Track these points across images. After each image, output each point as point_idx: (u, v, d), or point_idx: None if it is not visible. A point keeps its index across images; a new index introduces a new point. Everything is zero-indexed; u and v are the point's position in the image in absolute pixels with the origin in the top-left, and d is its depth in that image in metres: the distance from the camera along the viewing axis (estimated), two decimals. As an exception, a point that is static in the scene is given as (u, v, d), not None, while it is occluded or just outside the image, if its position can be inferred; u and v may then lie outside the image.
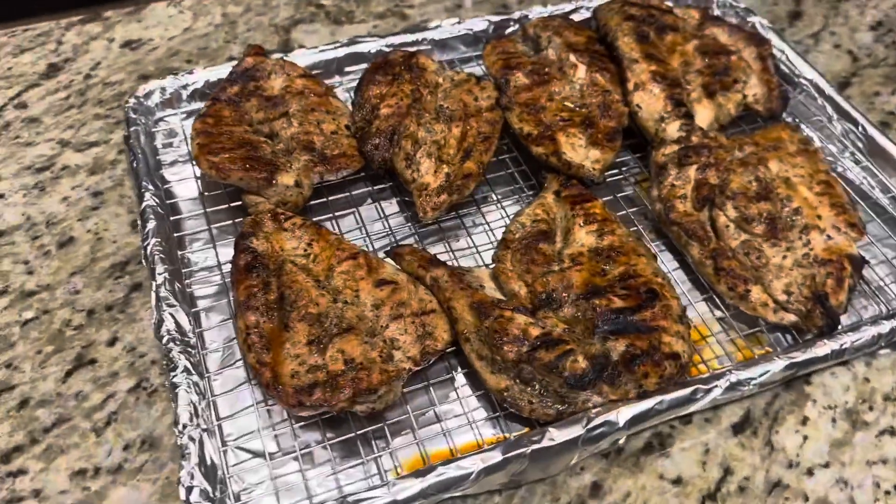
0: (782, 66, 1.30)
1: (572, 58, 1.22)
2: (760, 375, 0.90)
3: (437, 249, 1.06)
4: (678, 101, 1.15)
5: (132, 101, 1.18)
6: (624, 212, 1.12)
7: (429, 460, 0.86)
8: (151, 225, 1.01)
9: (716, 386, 0.88)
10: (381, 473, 0.85)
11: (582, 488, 0.86)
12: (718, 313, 1.01)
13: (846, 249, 1.00)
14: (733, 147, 1.12)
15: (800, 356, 0.91)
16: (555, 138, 1.11)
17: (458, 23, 1.34)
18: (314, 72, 1.27)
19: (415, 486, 0.79)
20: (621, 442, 0.88)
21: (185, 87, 1.22)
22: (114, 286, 1.03)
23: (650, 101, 1.16)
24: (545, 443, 0.83)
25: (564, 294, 0.94)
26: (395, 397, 0.88)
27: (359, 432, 0.87)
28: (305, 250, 0.99)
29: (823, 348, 0.93)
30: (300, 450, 0.87)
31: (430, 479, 0.80)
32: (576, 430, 0.84)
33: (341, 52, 1.29)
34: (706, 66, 1.22)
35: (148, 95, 1.20)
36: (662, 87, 1.16)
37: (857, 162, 1.19)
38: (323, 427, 0.88)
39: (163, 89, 1.21)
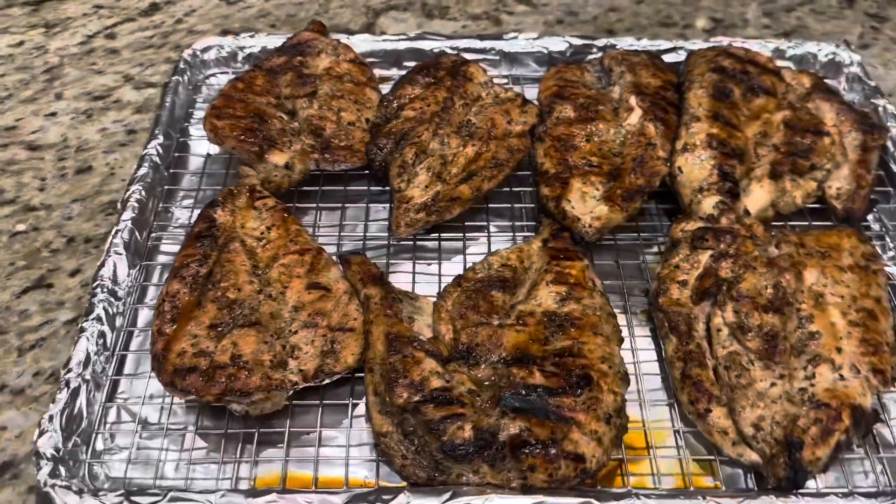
0: (894, 166, 1.09)
1: (632, 100, 1.09)
2: (676, 512, 0.75)
3: (403, 268, 1.00)
4: (726, 175, 0.99)
5: (187, 52, 1.21)
6: (619, 282, 0.98)
7: (285, 482, 0.81)
8: (141, 172, 1.03)
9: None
10: (233, 479, 0.81)
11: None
12: (679, 425, 0.86)
13: (854, 398, 0.81)
14: (768, 242, 0.94)
15: (740, 506, 0.76)
16: (568, 182, 1.00)
17: (536, 38, 1.24)
18: (372, 60, 1.24)
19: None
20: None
21: (242, 48, 1.24)
22: (101, 221, 1.07)
23: (695, 167, 1.01)
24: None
25: (488, 352, 0.84)
26: (274, 406, 0.84)
27: (230, 431, 0.84)
28: (262, 233, 0.96)
29: (777, 508, 0.76)
30: (174, 430, 0.85)
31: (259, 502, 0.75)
32: (433, 501, 0.75)
33: (403, 45, 1.24)
34: (786, 142, 1.04)
35: (206, 50, 1.23)
36: (714, 155, 1.01)
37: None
38: (203, 414, 0.86)
39: (220, 47, 1.23)
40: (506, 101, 1.12)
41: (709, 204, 0.98)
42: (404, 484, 0.79)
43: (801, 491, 0.77)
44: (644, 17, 1.40)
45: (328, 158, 1.05)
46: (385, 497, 0.75)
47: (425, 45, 1.24)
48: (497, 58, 1.25)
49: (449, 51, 1.23)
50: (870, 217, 1.05)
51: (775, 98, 1.12)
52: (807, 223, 1.04)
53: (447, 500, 0.75)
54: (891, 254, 1.02)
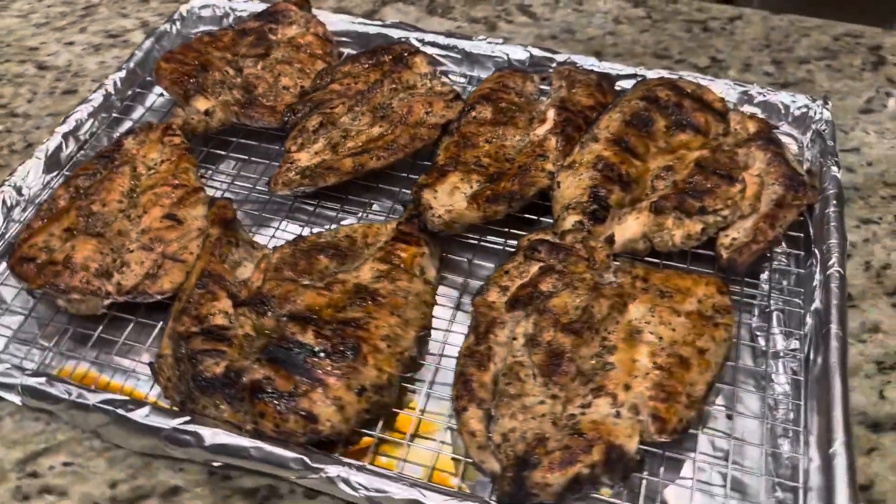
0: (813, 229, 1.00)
1: (550, 112, 1.08)
2: (377, 491, 0.75)
3: (274, 224, 1.05)
4: (598, 197, 0.96)
5: (185, 7, 1.33)
6: (461, 279, 0.98)
7: (82, 379, 0.89)
8: (93, 97, 1.16)
9: (323, 471, 0.76)
10: (39, 364, 0.90)
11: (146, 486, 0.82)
12: (454, 422, 0.85)
13: (616, 437, 0.76)
14: (606, 269, 0.91)
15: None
16: (446, 175, 1.01)
17: (501, 44, 1.25)
18: (344, 40, 1.30)
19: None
20: (216, 465, 0.81)
21: (234, 9, 1.34)
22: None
23: (572, 185, 0.98)
24: (134, 415, 0.80)
25: (280, 305, 0.87)
26: (89, 310, 0.91)
27: (54, 322, 0.93)
28: (155, 164, 1.05)
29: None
30: (17, 311, 0.95)
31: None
32: (168, 421, 0.80)
33: (374, 29, 1.29)
34: (686, 180, 0.99)
35: (203, 7, 1.35)
36: (594, 176, 0.98)
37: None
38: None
39: (215, 6, 1.34)
40: (436, 94, 1.15)
41: (570, 221, 0.96)
42: (154, 400, 0.85)
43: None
44: (641, 46, 1.36)
45: (247, 113, 1.12)
46: (130, 406, 0.81)
47: (395, 32, 1.28)
48: (459, 57, 1.27)
49: (415, 42, 1.27)
50: (763, 276, 0.98)
51: (703, 137, 1.07)
52: (684, 266, 0.98)
53: (178, 426, 0.79)
54: (746, 317, 0.94)
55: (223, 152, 1.14)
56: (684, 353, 0.83)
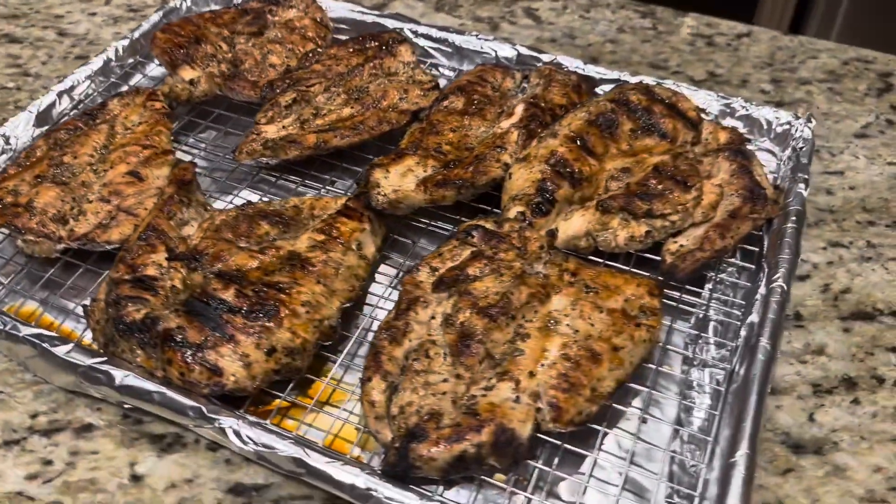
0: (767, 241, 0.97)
1: (519, 107, 1.08)
2: (264, 446, 0.76)
3: (235, 191, 1.08)
4: (544, 191, 0.96)
5: (200, -17, 1.39)
6: (402, 260, 0.99)
7: (30, 317, 0.94)
8: (93, 61, 1.22)
9: (217, 422, 0.78)
10: (-11, 298, 0.95)
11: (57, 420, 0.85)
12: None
13: (509, 420, 0.76)
14: (536, 259, 0.90)
15: (332, 471, 0.74)
16: (402, 157, 1.02)
17: (490, 40, 1.26)
18: (342, 27, 1.33)
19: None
20: (128, 407, 0.84)
21: (244, -9, 1.39)
22: (62, 95, 1.27)
23: (521, 177, 0.98)
24: (57, 350, 0.84)
25: (212, 263, 0.90)
26: (42, 252, 0.96)
27: (13, 261, 0.98)
28: (132, 125, 1.10)
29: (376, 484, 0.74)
30: (-18, 250, 1.01)
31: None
32: (86, 359, 0.83)
33: (371, 18, 1.32)
34: (640, 183, 0.98)
35: (218, -13, 1.40)
36: (545, 170, 0.97)
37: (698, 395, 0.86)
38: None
39: (228, -13, 1.40)
40: (415, 83, 1.16)
41: (513, 212, 0.96)
42: (83, 341, 0.88)
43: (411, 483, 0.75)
44: (639, 56, 1.35)
45: (229, 86, 1.16)
46: (56, 342, 0.84)
47: (391, 23, 1.31)
48: (450, 51, 1.28)
49: (408, 33, 1.29)
50: (709, 286, 0.95)
51: (669, 143, 1.05)
52: (626, 268, 0.96)
53: (97, 362, 0.82)
54: (682, 325, 0.92)
55: (203, 121, 1.18)
56: (597, 348, 0.82)
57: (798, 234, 0.96)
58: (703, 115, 1.10)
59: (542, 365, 0.80)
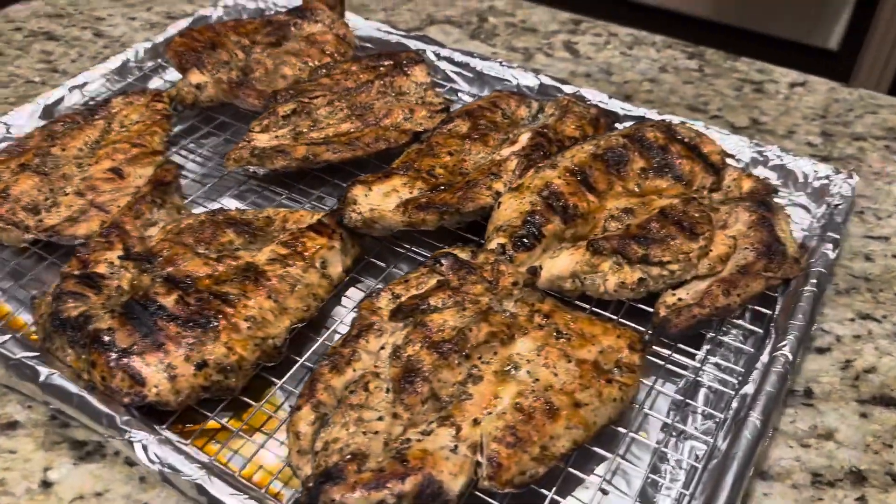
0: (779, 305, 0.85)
1: (524, 135, 1.01)
2: (169, 467, 0.69)
3: (218, 196, 1.04)
4: (531, 224, 0.87)
5: (231, -3, 1.39)
6: (374, 284, 0.92)
7: None
8: (111, 60, 1.22)
9: (129, 434, 0.72)
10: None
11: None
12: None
13: (439, 470, 0.67)
14: (507, 296, 0.81)
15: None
16: (389, 176, 0.96)
17: (514, 67, 1.19)
18: (367, 45, 1.29)
19: None
20: (52, 407, 0.79)
21: (276, 4, 1.38)
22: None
23: (510, 207, 0.90)
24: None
25: (163, 266, 0.85)
26: (10, 241, 0.93)
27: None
28: (129, 123, 1.08)
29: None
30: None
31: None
32: (18, 352, 0.79)
33: (395, 38, 1.28)
34: (642, 226, 0.88)
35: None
36: (536, 202, 0.89)
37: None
38: None
39: (259, 0, 1.39)
40: (424, 104, 1.11)
41: (494, 243, 0.87)
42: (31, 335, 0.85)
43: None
44: (678, 97, 1.25)
45: (235, 93, 1.13)
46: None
47: (415, 44, 1.26)
48: (471, 76, 1.22)
49: (431, 55, 1.24)
50: (707, 347, 0.84)
51: (683, 186, 0.95)
52: (613, 316, 0.86)
53: (27, 357, 0.78)
54: (669, 388, 0.80)
55: (206, 127, 1.15)
56: (555, 401, 0.72)
57: (816, 299, 0.84)
58: (728, 161, 0.99)
59: (490, 413, 0.71)
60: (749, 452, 0.70)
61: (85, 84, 1.18)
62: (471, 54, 1.23)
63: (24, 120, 1.11)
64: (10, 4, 1.51)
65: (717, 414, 0.77)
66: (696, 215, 0.90)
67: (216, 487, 0.68)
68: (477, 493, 0.70)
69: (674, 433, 0.77)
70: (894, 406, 0.82)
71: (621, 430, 0.76)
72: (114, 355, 0.75)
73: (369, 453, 0.70)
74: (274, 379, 0.82)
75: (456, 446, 0.69)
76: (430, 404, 0.73)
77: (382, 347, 0.79)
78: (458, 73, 1.23)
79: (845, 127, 1.19)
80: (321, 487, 0.67)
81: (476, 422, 0.71)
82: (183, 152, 1.11)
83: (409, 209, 0.91)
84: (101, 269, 0.85)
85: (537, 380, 0.74)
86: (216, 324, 0.78)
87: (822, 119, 1.20)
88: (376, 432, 0.72)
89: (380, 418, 0.73)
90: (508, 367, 0.75)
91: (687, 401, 0.80)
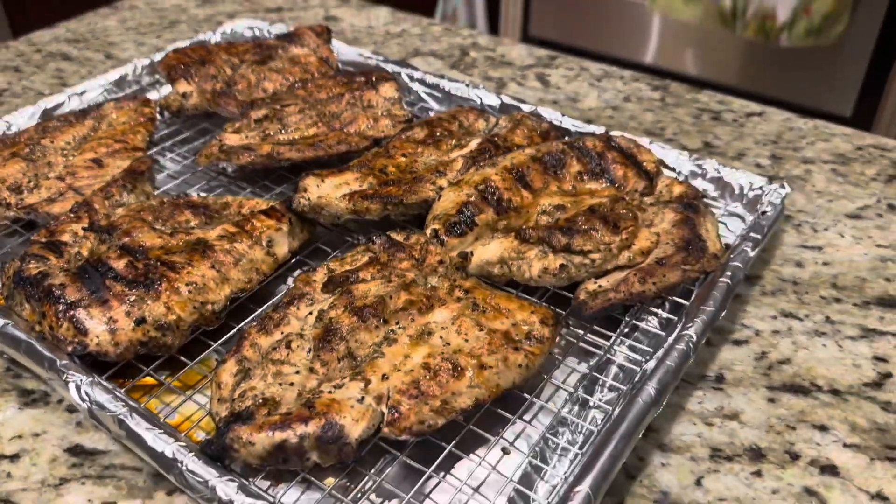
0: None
1: (474, 142, 1.08)
2: (97, 405, 0.75)
3: (189, 189, 1.12)
4: (465, 214, 0.93)
5: (228, 25, 1.50)
6: (313, 263, 0.98)
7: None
8: (110, 73, 1.33)
9: (67, 375, 0.78)
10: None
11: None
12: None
13: (341, 417, 0.71)
14: (432, 272, 0.87)
15: (148, 436, 0.72)
16: (343, 172, 1.03)
17: (478, 88, 1.27)
18: (347, 68, 1.39)
19: None
20: (4, 356, 0.86)
21: (271, 32, 1.49)
22: (85, 104, 1.38)
23: (448, 199, 0.96)
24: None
25: (120, 237, 0.92)
26: (-11, 218, 1.02)
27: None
28: (117, 124, 1.17)
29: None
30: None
31: None
32: None
33: (373, 61, 1.37)
34: (569, 219, 0.93)
35: (248, 29, 1.50)
36: (472, 195, 0.95)
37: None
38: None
39: (256, 29, 1.50)
40: (390, 116, 1.18)
41: (429, 229, 0.93)
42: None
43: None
44: (636, 122, 1.31)
45: (217, 101, 1.22)
46: (-39, 289, 0.88)
47: (392, 67, 1.35)
48: (441, 96, 1.30)
49: (405, 78, 1.33)
50: (625, 330, 0.88)
51: (616, 190, 1.01)
52: (536, 300, 0.90)
53: (-14, 311, 0.86)
54: (581, 365, 0.84)
55: (188, 132, 1.24)
56: (461, 363, 0.76)
57: (730, 290, 0.88)
58: (663, 170, 1.05)
59: (399, 370, 0.76)
60: (639, 416, 0.73)
61: (84, 92, 1.29)
62: (441, 76, 1.32)
63: (25, 120, 1.22)
64: (35, 31, 1.65)
65: (622, 387, 0.81)
66: (622, 212, 0.95)
67: (135, 422, 0.73)
68: (380, 442, 0.74)
69: (579, 403, 0.81)
70: (803, 394, 0.84)
71: (526, 395, 0.79)
72: (62, 307, 0.82)
73: (282, 401, 0.75)
74: (211, 342, 0.87)
75: (363, 398, 0.74)
76: (345, 362, 0.78)
77: (310, 314, 0.84)
78: (428, 94, 1.31)
79: (795, 151, 1.24)
80: (230, 426, 0.72)
81: (385, 377, 0.75)
82: (162, 152, 1.20)
83: (355, 198, 0.98)
84: (65, 237, 0.92)
85: (448, 344, 0.79)
86: (158, 286, 0.85)
87: (773, 144, 1.26)
88: (291, 384, 0.77)
89: (297, 372, 0.78)
90: (423, 333, 0.80)
91: (597, 376, 0.83)
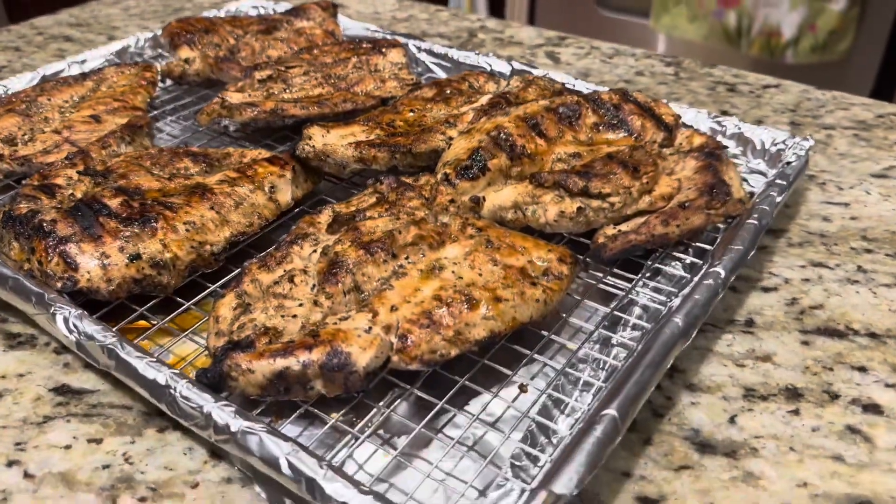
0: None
1: (485, 97, 1.04)
2: (86, 336, 0.70)
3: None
4: (477, 159, 0.89)
5: (233, 4, 1.47)
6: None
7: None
8: (112, 45, 1.30)
9: (54, 308, 0.73)
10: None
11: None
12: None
13: (348, 346, 0.66)
14: (442, 211, 0.83)
15: (139, 364, 0.67)
16: (349, 124, 0.99)
17: (487, 56, 1.24)
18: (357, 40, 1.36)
19: None
20: (-12, 299, 0.81)
21: (276, 10, 1.46)
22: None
23: (459, 146, 0.92)
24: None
25: (116, 180, 0.88)
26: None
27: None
28: (118, 85, 1.14)
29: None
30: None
31: None
32: None
33: (380, 35, 1.34)
34: (586, 165, 0.89)
35: (253, 8, 1.48)
36: (485, 141, 0.91)
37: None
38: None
39: (261, 7, 1.48)
40: (397, 79, 1.15)
41: (440, 174, 0.89)
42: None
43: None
44: (651, 94, 1.28)
45: (220, 66, 1.19)
46: None
47: (400, 39, 1.32)
48: (449, 66, 1.27)
49: (413, 49, 1.30)
50: (647, 274, 0.83)
51: (633, 139, 0.96)
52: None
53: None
54: (601, 306, 0.79)
55: (189, 98, 1.21)
56: (476, 295, 0.72)
57: (758, 232, 0.83)
58: (681, 123, 1.01)
59: (409, 302, 0.71)
60: (666, 346, 0.68)
61: (84, 61, 1.26)
62: (449, 47, 1.29)
63: (23, 85, 1.18)
64: (37, 16, 1.63)
65: (646, 324, 0.76)
66: (642, 157, 0.91)
67: (126, 352, 0.68)
68: (389, 377, 0.69)
69: (600, 341, 0.76)
70: (839, 337, 0.79)
71: (544, 333, 0.74)
72: (52, 242, 0.77)
73: (284, 332, 0.70)
74: (209, 284, 0.82)
75: (370, 328, 0.69)
76: (352, 296, 0.73)
77: (315, 251, 0.80)
78: (436, 64, 1.28)
79: (815, 119, 1.20)
80: (227, 353, 0.67)
81: (394, 308, 0.70)
82: (163, 115, 1.17)
83: (362, 146, 0.94)
84: (59, 181, 0.88)
85: (461, 278, 0.74)
86: (154, 223, 0.80)
87: (792, 112, 1.22)
88: (294, 316, 0.72)
89: (300, 305, 0.73)
90: (434, 269, 0.75)
91: (618, 314, 0.78)
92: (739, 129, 1.05)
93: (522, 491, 0.59)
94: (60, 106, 1.07)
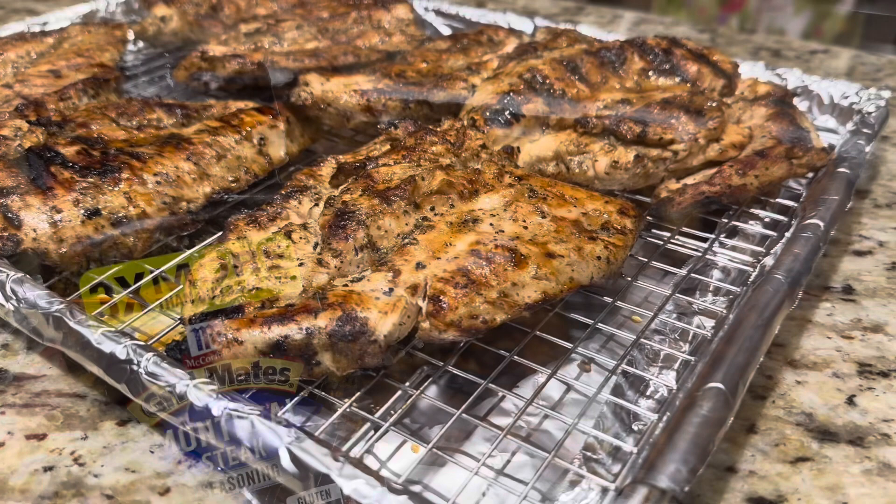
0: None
1: (511, 46, 0.91)
2: (29, 304, 0.54)
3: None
4: (508, 103, 0.74)
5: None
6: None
7: None
8: (83, 7, 1.15)
9: (-13, 272, 0.57)
10: None
11: None
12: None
13: (364, 310, 0.51)
14: (473, 157, 0.68)
15: (93, 336, 0.52)
16: (351, 73, 0.84)
17: (505, 13, 1.11)
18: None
19: None
20: None
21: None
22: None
23: (486, 91, 0.78)
24: None
25: (71, 130, 0.73)
26: None
27: None
28: (82, 45, 0.99)
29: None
30: None
31: None
32: None
33: None
34: (640, 110, 0.75)
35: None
36: (515, 84, 0.76)
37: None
38: None
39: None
40: (407, 35, 1.01)
41: (469, 119, 0.74)
42: None
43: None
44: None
45: (201, 24, 1.05)
46: None
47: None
48: (462, 26, 1.14)
49: (420, 10, 1.16)
50: (723, 234, 0.68)
51: (689, 87, 0.82)
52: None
53: None
54: (672, 268, 0.64)
55: (163, 60, 1.06)
56: (522, 250, 0.57)
57: (851, 183, 0.69)
58: (740, 72, 0.87)
59: (439, 258, 0.56)
60: (773, 307, 0.53)
61: (46, 23, 1.11)
62: (460, 5, 1.15)
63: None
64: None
65: (734, 288, 0.61)
66: (704, 102, 0.77)
67: (76, 320, 0.52)
68: (415, 352, 0.54)
69: (678, 308, 0.61)
70: (959, 305, 0.65)
71: (607, 299, 0.59)
72: (-5, 196, 0.62)
73: (280, 297, 0.54)
74: (185, 250, 0.67)
75: (391, 289, 0.53)
76: (365, 255, 0.58)
77: (316, 206, 0.64)
78: (447, 25, 1.15)
79: (875, 82, 1.07)
80: (207, 321, 0.51)
81: (420, 266, 0.55)
82: (136, 77, 1.02)
83: (370, 95, 0.79)
84: (6, 132, 0.73)
85: (501, 231, 0.59)
86: (117, 174, 0.65)
87: (846, 77, 1.09)
88: (293, 277, 0.56)
89: (300, 265, 0.58)
90: (468, 221, 0.60)
91: (695, 276, 0.63)
92: (804, 81, 0.91)
93: (604, 490, 0.44)
94: (14, 61, 0.92)
